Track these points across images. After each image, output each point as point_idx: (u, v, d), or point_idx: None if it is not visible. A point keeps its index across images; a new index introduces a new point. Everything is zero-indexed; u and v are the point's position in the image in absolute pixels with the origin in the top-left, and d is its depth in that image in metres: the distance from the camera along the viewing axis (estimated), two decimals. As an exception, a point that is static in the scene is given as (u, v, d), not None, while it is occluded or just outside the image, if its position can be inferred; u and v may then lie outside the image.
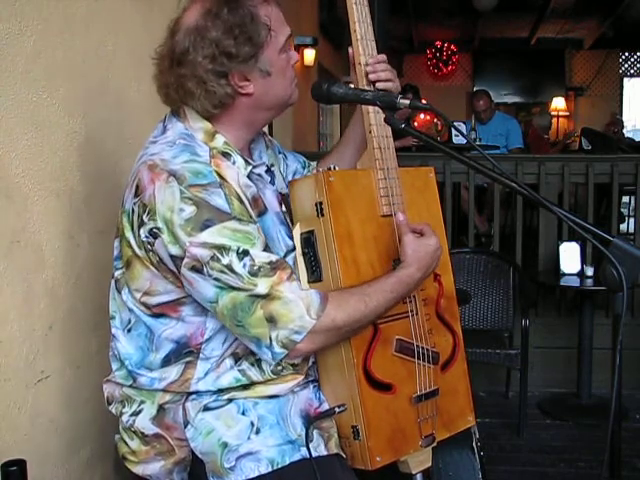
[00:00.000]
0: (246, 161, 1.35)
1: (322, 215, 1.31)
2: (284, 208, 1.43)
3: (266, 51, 1.30)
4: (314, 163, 1.69)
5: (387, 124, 1.32)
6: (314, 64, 5.57)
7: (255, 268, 1.23)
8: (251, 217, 1.28)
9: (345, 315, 1.27)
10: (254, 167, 1.37)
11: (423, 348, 1.40)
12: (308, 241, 1.33)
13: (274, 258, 1.26)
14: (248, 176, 1.34)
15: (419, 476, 1.40)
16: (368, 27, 1.44)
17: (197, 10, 1.29)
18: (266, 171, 1.42)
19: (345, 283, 1.30)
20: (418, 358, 1.39)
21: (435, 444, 1.41)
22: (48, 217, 1.53)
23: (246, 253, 1.23)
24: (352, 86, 1.41)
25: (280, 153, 1.59)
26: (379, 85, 1.42)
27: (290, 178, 1.60)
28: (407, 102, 1.27)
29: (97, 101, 1.77)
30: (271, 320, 1.23)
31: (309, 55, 5.42)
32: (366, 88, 1.41)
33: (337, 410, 1.32)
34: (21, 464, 1.14)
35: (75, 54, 1.65)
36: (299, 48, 5.25)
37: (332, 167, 1.36)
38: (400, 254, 1.36)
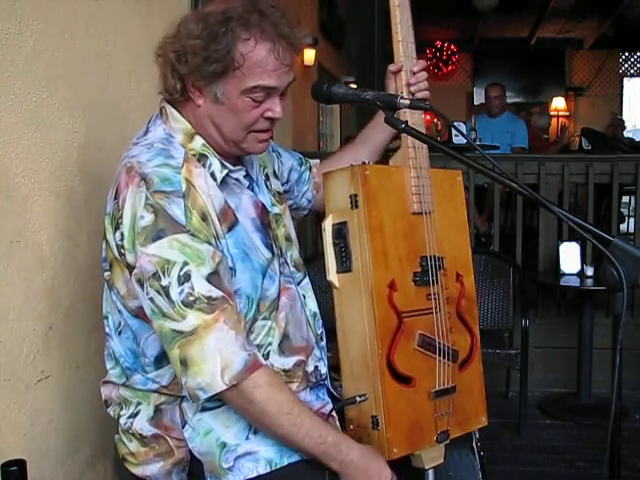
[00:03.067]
0: (223, 165, 1.33)
1: (356, 207, 1.32)
2: (277, 208, 1.41)
3: (224, 83, 1.25)
4: (314, 161, 1.69)
5: (387, 124, 1.32)
6: (314, 64, 5.57)
7: (191, 299, 1.18)
8: (212, 237, 1.24)
9: (265, 398, 1.21)
10: (231, 172, 1.34)
11: (444, 345, 1.41)
12: (340, 232, 1.34)
13: (216, 294, 1.20)
14: (224, 180, 1.32)
15: (431, 472, 1.40)
16: (409, 29, 1.46)
17: (209, 7, 1.29)
18: (245, 176, 1.40)
19: (375, 274, 1.31)
20: (439, 354, 1.40)
21: (448, 441, 1.41)
22: (48, 217, 1.53)
23: (188, 278, 1.18)
24: (352, 86, 1.42)
25: (274, 151, 1.58)
26: (418, 95, 1.47)
27: (285, 175, 1.61)
28: (407, 102, 1.27)
29: (97, 101, 1.77)
30: (184, 364, 1.19)
31: (309, 55, 5.42)
32: (368, 90, 1.40)
33: (358, 399, 1.31)
34: (21, 464, 1.14)
35: (75, 54, 1.65)
36: (299, 48, 5.23)
37: (366, 162, 1.36)
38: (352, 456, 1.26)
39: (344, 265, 1.34)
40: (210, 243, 1.23)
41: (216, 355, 1.18)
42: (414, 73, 1.47)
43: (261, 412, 1.23)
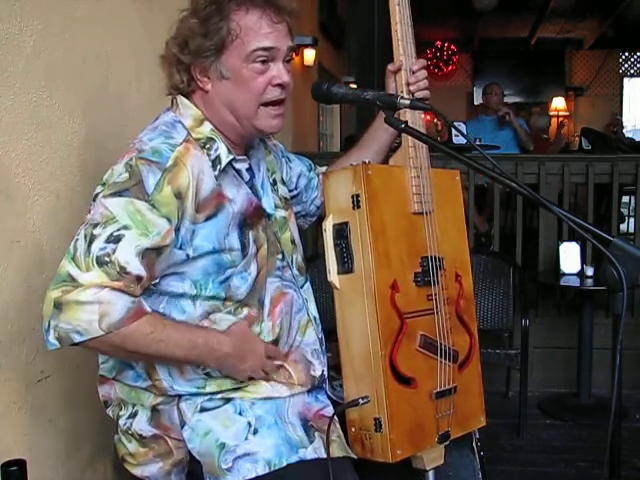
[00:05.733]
0: (229, 151, 1.34)
1: (358, 207, 1.32)
2: (283, 212, 1.41)
3: (227, 56, 1.29)
4: (322, 168, 1.69)
5: (387, 124, 1.32)
6: (314, 64, 5.57)
7: (106, 259, 1.17)
8: (176, 217, 1.24)
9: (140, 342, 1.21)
10: (235, 160, 1.35)
11: (445, 346, 1.41)
12: (341, 232, 1.34)
13: (133, 270, 1.18)
14: (224, 169, 1.32)
15: (431, 473, 1.40)
16: (409, 28, 1.47)
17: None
18: (247, 169, 1.41)
19: (378, 275, 1.31)
20: (440, 355, 1.40)
21: (448, 442, 1.41)
22: (48, 217, 1.53)
23: (117, 240, 1.18)
24: (352, 86, 1.42)
25: (284, 157, 1.59)
26: (417, 94, 1.47)
27: (294, 181, 1.60)
28: (407, 102, 1.27)
29: (97, 101, 1.77)
30: (58, 307, 1.15)
31: (309, 55, 5.41)
32: (368, 90, 1.40)
33: (361, 402, 1.31)
34: (21, 464, 1.14)
35: (75, 54, 1.65)
36: (299, 48, 5.23)
37: (366, 162, 1.36)
38: (228, 331, 1.32)
39: (345, 266, 1.33)
40: (170, 220, 1.23)
41: (92, 304, 1.15)
42: (413, 72, 1.47)
43: (122, 342, 1.20)
